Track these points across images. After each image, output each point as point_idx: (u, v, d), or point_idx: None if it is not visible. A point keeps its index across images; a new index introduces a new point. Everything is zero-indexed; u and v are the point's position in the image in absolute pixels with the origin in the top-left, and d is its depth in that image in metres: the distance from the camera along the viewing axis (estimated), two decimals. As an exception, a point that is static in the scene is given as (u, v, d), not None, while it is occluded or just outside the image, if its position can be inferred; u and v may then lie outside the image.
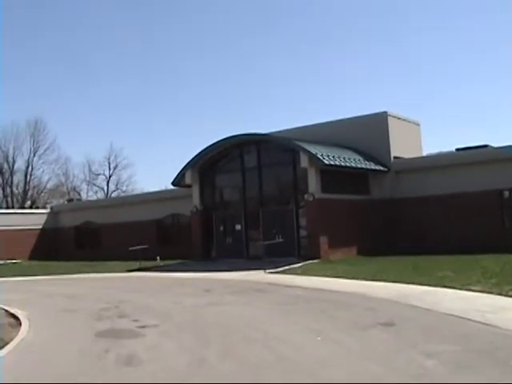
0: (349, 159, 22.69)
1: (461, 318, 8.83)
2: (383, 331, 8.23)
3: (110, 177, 62.14)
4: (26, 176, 57.25)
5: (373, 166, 23.99)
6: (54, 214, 39.33)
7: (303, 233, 22.05)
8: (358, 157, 23.68)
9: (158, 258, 25.17)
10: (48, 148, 57.67)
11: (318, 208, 21.23)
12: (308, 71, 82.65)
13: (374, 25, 76.03)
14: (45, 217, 38.69)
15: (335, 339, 7.87)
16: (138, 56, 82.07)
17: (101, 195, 61.09)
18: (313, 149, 21.13)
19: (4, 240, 33.34)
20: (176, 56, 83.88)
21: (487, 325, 8.17)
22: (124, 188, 61.92)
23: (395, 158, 24.93)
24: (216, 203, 25.39)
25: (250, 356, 7.16)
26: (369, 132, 24.85)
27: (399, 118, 26.21)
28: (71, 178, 62.05)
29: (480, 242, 20.20)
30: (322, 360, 6.80)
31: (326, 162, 20.80)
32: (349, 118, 25.79)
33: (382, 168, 24.37)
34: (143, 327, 9.43)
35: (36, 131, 57.18)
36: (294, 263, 19.58)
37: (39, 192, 59.74)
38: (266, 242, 21.12)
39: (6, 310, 12.03)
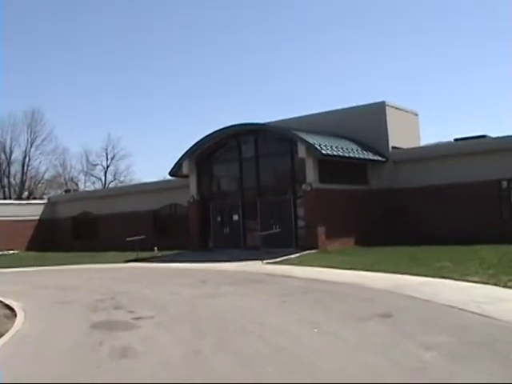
0: (347, 149, 22.56)
1: (459, 309, 8.77)
2: (380, 323, 8.17)
3: (107, 167, 62.10)
4: (23, 167, 57.02)
5: (371, 156, 23.88)
6: (51, 204, 39.15)
7: (301, 223, 21.97)
8: (356, 147, 23.55)
9: (156, 248, 25.10)
10: (45, 138, 57.48)
11: (315, 198, 21.14)
12: (306, 61, 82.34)
13: (372, 14, 75.63)
14: (42, 207, 38.52)
15: (332, 331, 7.82)
16: (135, 46, 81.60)
17: (98, 186, 61.01)
18: (310, 139, 21.00)
19: (1, 231, 33.29)
20: (173, 46, 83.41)
21: (485, 316, 8.12)
22: (122, 178, 61.87)
23: (393, 148, 24.80)
24: (213, 193, 25.29)
25: (245, 348, 7.10)
26: (367, 122, 24.67)
27: (397, 108, 26.02)
28: (68, 169, 61.99)
29: (478, 233, 20.15)
30: (319, 351, 6.74)
31: (324, 152, 20.68)
32: (347, 108, 25.62)
33: (380, 158, 24.26)
34: (139, 319, 9.37)
35: (33, 122, 56.93)
36: (291, 254, 19.49)
37: (36, 183, 59.56)
38: (264, 233, 21.03)
39: (1, 301, 11.96)
